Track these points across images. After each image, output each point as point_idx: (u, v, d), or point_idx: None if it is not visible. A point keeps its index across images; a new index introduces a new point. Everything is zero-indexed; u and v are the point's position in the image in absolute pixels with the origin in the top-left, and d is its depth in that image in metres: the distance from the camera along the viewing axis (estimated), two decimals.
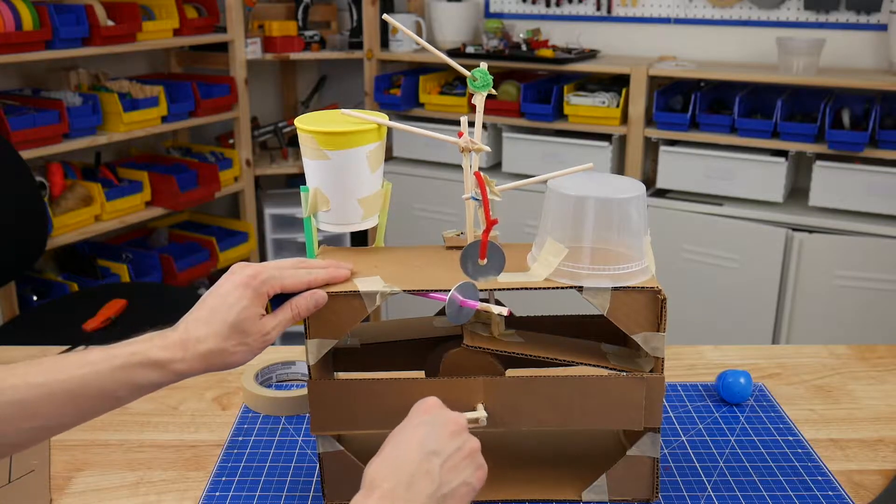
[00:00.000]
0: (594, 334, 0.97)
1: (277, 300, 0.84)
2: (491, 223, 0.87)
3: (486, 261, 0.87)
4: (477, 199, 0.88)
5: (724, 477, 0.99)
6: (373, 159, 0.92)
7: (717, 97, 2.73)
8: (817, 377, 1.23)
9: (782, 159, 2.48)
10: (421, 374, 0.97)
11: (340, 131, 0.89)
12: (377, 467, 0.73)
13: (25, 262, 2.18)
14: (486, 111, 0.89)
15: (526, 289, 0.86)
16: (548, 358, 0.89)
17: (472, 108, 0.91)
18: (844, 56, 2.61)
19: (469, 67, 0.90)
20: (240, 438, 1.07)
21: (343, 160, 0.90)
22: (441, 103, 2.90)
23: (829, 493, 0.96)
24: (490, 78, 0.89)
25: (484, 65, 0.90)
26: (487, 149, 0.90)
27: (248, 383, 1.15)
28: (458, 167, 0.95)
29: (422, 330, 1.01)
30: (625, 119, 2.68)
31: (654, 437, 0.92)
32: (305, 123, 0.90)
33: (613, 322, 0.87)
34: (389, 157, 3.05)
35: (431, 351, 0.96)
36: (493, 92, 0.91)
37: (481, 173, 0.87)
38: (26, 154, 2.22)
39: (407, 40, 3.01)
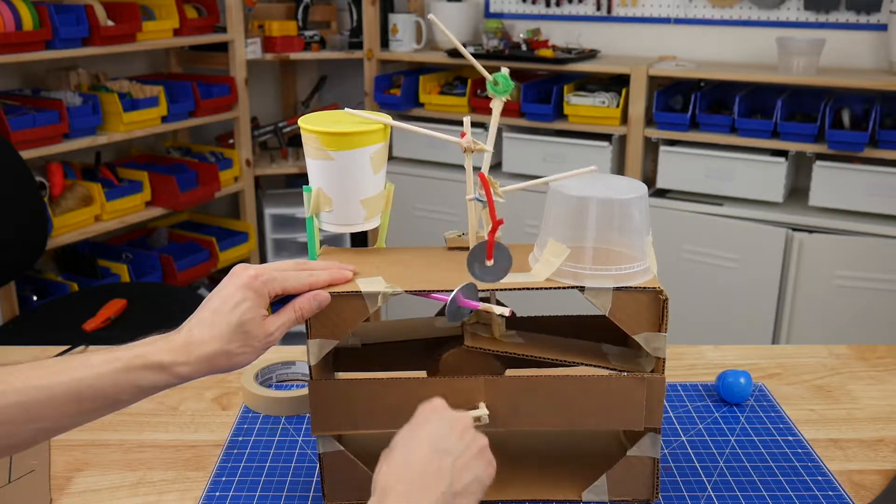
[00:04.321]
0: (595, 334, 0.97)
1: (277, 303, 0.84)
2: (497, 224, 0.87)
3: (492, 262, 0.87)
4: (481, 201, 0.88)
5: (724, 477, 0.99)
6: (376, 160, 0.92)
7: (717, 97, 2.73)
8: (817, 377, 1.23)
9: (782, 159, 2.48)
10: (421, 373, 0.97)
11: (344, 132, 0.89)
12: (388, 471, 0.73)
13: (25, 262, 2.18)
14: (487, 111, 0.89)
15: (528, 289, 0.86)
16: (548, 359, 0.89)
17: (473, 109, 0.91)
18: (844, 56, 2.61)
19: (469, 68, 0.90)
20: (240, 438, 1.07)
21: (346, 161, 0.90)
22: (441, 103, 2.90)
23: (829, 493, 0.96)
24: (511, 83, 0.88)
25: (506, 69, 0.89)
26: (489, 149, 0.90)
27: (248, 383, 1.15)
28: (459, 167, 0.95)
29: (423, 330, 1.01)
30: (625, 119, 2.68)
31: (654, 437, 0.92)
32: (309, 123, 0.90)
33: (615, 322, 0.87)
34: (389, 157, 3.04)
35: (432, 351, 0.96)
36: (488, 148, 0.90)
37: (485, 174, 0.87)
38: (26, 154, 2.21)
39: (407, 40, 3.02)
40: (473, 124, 0.90)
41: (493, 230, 0.86)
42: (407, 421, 0.89)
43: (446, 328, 0.99)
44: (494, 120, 0.90)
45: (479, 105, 2.77)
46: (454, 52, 2.87)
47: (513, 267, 0.89)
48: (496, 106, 0.89)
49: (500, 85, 0.88)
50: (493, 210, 0.87)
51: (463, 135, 0.89)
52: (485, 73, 0.88)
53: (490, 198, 0.87)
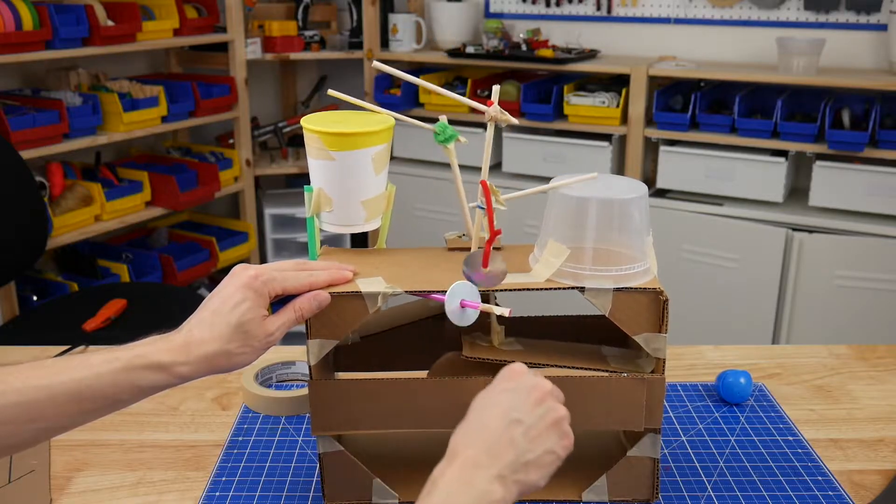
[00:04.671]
0: (595, 335, 0.97)
1: (277, 303, 0.84)
2: (494, 234, 0.86)
3: (488, 269, 0.87)
4: (482, 208, 0.88)
5: (724, 477, 0.99)
6: (378, 161, 0.92)
7: (717, 97, 2.73)
8: (817, 377, 1.23)
9: (782, 159, 2.48)
10: (421, 374, 0.97)
11: (346, 132, 0.89)
12: (460, 435, 0.73)
13: (25, 262, 2.18)
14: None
15: (528, 289, 0.86)
16: (548, 365, 0.89)
17: (472, 109, 0.91)
18: (844, 56, 2.61)
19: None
20: (240, 438, 1.07)
21: (348, 161, 0.90)
22: (441, 103, 2.90)
23: (829, 493, 0.96)
24: (451, 131, 0.90)
25: (444, 118, 0.91)
26: (515, 120, 0.90)
27: (248, 383, 1.15)
28: (460, 167, 0.95)
29: (420, 311, 1.01)
30: (625, 119, 2.68)
31: (654, 437, 0.92)
32: (311, 123, 0.90)
33: (615, 323, 0.87)
34: (389, 157, 3.05)
35: (431, 336, 0.96)
36: (462, 140, 0.91)
37: (487, 182, 0.87)
38: (26, 154, 2.22)
39: (407, 40, 3.01)
40: (473, 124, 0.90)
41: (491, 240, 0.86)
42: (406, 420, 0.90)
43: (439, 307, 0.98)
44: (455, 168, 0.92)
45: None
46: (454, 53, 2.87)
47: (513, 267, 0.89)
48: (449, 153, 0.91)
49: (441, 134, 0.89)
50: (492, 220, 0.87)
51: (490, 103, 0.88)
52: (425, 125, 0.90)
53: (490, 206, 0.86)
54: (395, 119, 0.94)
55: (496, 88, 0.89)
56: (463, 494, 0.68)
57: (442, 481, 0.69)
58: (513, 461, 0.71)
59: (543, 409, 0.76)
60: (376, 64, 0.92)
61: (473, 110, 2.82)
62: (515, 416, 0.74)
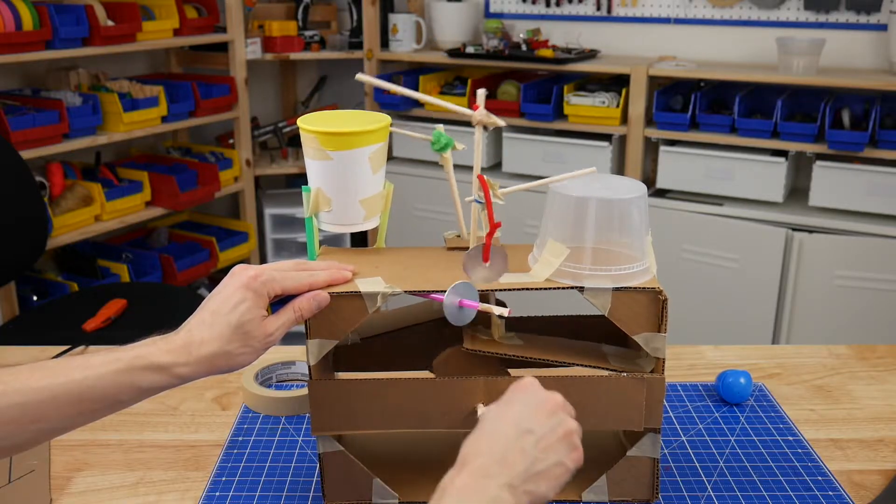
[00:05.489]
0: (595, 334, 0.97)
1: (277, 303, 0.84)
2: (494, 227, 0.87)
3: (489, 264, 0.87)
4: (480, 202, 0.88)
5: (724, 477, 0.99)
6: (375, 160, 0.92)
7: (717, 97, 2.73)
8: (817, 377, 1.23)
9: (782, 159, 2.48)
10: (421, 374, 0.97)
11: (343, 132, 0.89)
12: (471, 443, 0.73)
13: (25, 262, 2.18)
14: (487, 110, 0.89)
15: (527, 289, 0.86)
16: (548, 360, 0.89)
17: (472, 109, 0.91)
18: (844, 56, 2.61)
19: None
20: (240, 438, 1.07)
21: (345, 161, 0.90)
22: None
23: (829, 493, 0.96)
24: (446, 139, 0.91)
25: (440, 127, 0.92)
26: (501, 122, 0.90)
27: (248, 383, 1.16)
28: (459, 167, 0.95)
29: (421, 314, 1.01)
30: (625, 119, 2.68)
31: (654, 437, 0.92)
32: (308, 123, 0.90)
33: (614, 322, 0.87)
34: (389, 157, 3.05)
35: (432, 347, 0.96)
36: (459, 147, 0.92)
37: (484, 176, 0.87)
38: (26, 154, 2.21)
39: (407, 40, 3.01)
40: (473, 124, 0.90)
41: (491, 233, 0.86)
42: (406, 420, 0.90)
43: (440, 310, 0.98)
44: (450, 176, 0.93)
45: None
46: (454, 53, 2.87)
47: (513, 267, 0.89)
48: (445, 161, 0.92)
49: (437, 143, 0.90)
50: (492, 213, 0.87)
51: (476, 107, 0.89)
52: (420, 136, 0.90)
53: (489, 199, 0.87)
54: (398, 132, 0.95)
55: (481, 92, 0.89)
56: (473, 502, 0.68)
57: (452, 488, 0.68)
58: (523, 471, 0.71)
59: (555, 420, 0.76)
60: (360, 76, 0.92)
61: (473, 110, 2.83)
62: (527, 427, 0.74)
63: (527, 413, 0.75)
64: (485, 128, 0.89)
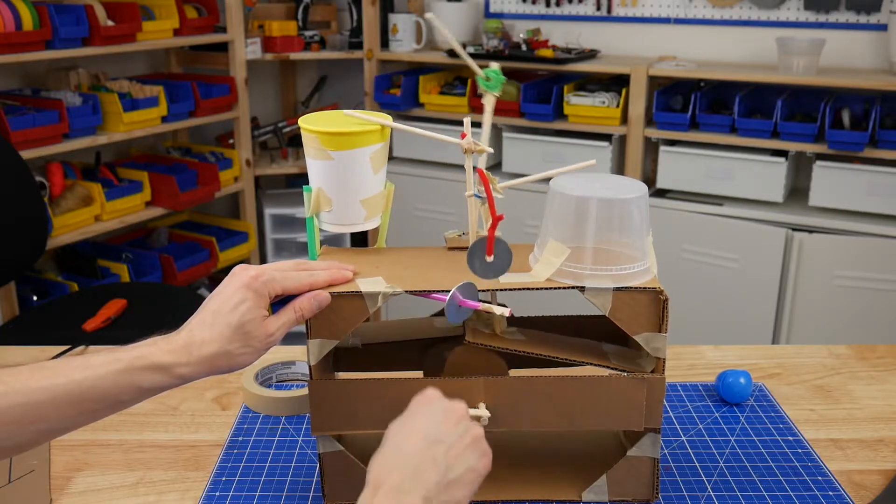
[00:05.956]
0: (595, 334, 0.97)
1: (277, 303, 0.84)
2: (497, 219, 0.87)
3: (492, 257, 0.87)
4: (481, 197, 0.88)
5: (724, 477, 0.99)
6: (376, 160, 0.92)
7: (717, 97, 2.73)
8: (817, 377, 1.23)
9: (782, 159, 2.48)
10: (421, 373, 0.97)
11: (344, 132, 0.89)
12: (380, 464, 0.72)
13: (25, 262, 2.18)
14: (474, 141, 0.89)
15: (528, 289, 0.86)
16: (549, 356, 0.89)
17: (473, 109, 0.91)
18: (844, 56, 2.61)
19: (469, 68, 0.89)
20: (240, 438, 1.07)
21: (346, 161, 0.90)
22: (441, 103, 2.90)
23: (829, 493, 0.96)
24: (503, 78, 0.88)
25: (496, 64, 0.88)
26: (490, 150, 0.90)
27: (248, 383, 1.16)
28: (459, 167, 0.95)
29: (423, 330, 1.01)
30: (625, 119, 2.68)
31: (654, 437, 0.92)
32: (309, 123, 0.90)
33: (615, 322, 0.87)
34: (389, 157, 3.04)
35: (432, 350, 0.96)
36: (488, 149, 0.90)
37: (484, 170, 0.87)
38: (26, 154, 2.21)
39: (407, 40, 3.02)
40: (473, 124, 0.90)
41: (493, 226, 0.87)
42: None
43: (446, 328, 0.99)
44: (488, 116, 0.89)
45: (480, 105, 2.75)
46: (454, 52, 2.87)
47: (513, 267, 0.89)
48: (488, 101, 0.88)
49: (493, 80, 0.87)
50: (493, 206, 0.87)
51: (463, 136, 0.89)
52: (476, 68, 0.88)
53: (490, 194, 0.87)
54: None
55: (467, 121, 0.89)
56: None
57: None
58: (437, 481, 0.71)
59: (462, 427, 0.76)
60: (349, 113, 0.92)
61: (473, 109, 2.84)
62: (435, 437, 0.74)
63: (433, 423, 0.75)
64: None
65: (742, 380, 1.14)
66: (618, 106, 2.67)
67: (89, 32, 2.41)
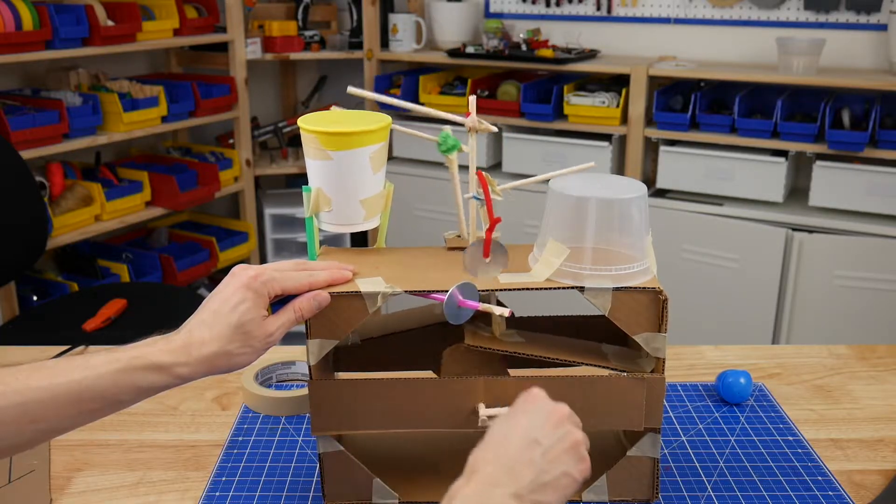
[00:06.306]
0: (595, 334, 0.97)
1: (277, 303, 0.84)
2: (494, 222, 0.87)
3: (489, 259, 0.87)
4: (479, 199, 0.88)
5: (724, 477, 0.99)
6: (375, 160, 0.92)
7: (717, 97, 2.73)
8: (817, 377, 1.23)
9: (782, 159, 2.48)
10: (421, 373, 0.97)
11: (343, 132, 0.89)
12: (480, 452, 0.73)
13: (25, 262, 2.18)
14: (486, 111, 0.90)
15: (527, 289, 0.86)
16: (549, 358, 0.89)
17: (465, 116, 0.91)
18: (844, 56, 2.61)
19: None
20: (240, 438, 1.07)
21: (345, 161, 0.90)
22: (441, 103, 2.90)
23: (829, 493, 0.96)
24: (454, 141, 0.90)
25: (447, 128, 0.91)
26: (494, 129, 0.90)
27: (248, 383, 1.15)
28: (459, 167, 0.95)
29: (422, 318, 1.01)
30: (625, 119, 2.68)
31: (654, 437, 0.92)
32: (308, 123, 0.90)
33: (614, 322, 0.87)
34: (389, 157, 3.05)
35: (432, 348, 0.96)
36: (465, 149, 0.92)
37: (483, 172, 0.88)
38: (26, 154, 2.21)
39: (407, 40, 3.01)
40: (466, 130, 0.90)
41: (491, 228, 0.87)
42: (406, 420, 0.89)
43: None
44: (455, 177, 0.92)
45: (480, 105, 2.76)
46: (454, 53, 2.87)
47: (513, 267, 0.89)
48: (451, 163, 0.91)
49: (443, 144, 0.90)
50: (491, 208, 0.87)
51: (468, 114, 0.89)
52: (428, 137, 0.90)
53: (488, 195, 0.87)
54: (400, 131, 0.95)
55: (472, 99, 0.89)
56: None
57: (460, 496, 0.69)
58: (531, 481, 0.71)
59: (562, 431, 0.76)
60: (351, 90, 0.92)
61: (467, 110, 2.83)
62: (534, 437, 0.74)
63: (534, 424, 0.75)
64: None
65: (742, 380, 1.14)
66: (618, 106, 2.67)
67: (89, 32, 2.41)
